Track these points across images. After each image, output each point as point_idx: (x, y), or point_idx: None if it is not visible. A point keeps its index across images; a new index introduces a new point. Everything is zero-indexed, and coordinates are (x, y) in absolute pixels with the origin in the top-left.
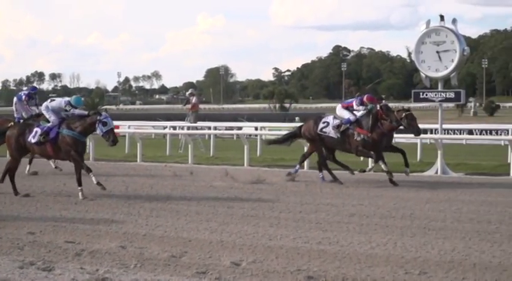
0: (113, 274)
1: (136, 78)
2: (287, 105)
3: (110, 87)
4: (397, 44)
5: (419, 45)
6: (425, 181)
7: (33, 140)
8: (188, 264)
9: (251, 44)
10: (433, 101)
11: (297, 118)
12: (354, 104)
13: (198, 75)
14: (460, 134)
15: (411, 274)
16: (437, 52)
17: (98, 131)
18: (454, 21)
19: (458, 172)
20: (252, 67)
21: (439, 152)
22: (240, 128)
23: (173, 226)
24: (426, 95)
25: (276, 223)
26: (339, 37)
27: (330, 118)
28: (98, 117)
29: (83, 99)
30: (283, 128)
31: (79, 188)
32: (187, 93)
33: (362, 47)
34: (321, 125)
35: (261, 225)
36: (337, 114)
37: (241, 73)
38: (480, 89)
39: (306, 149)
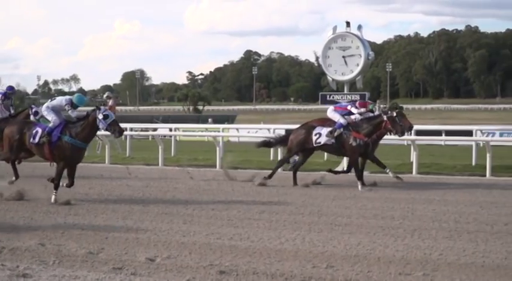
0: (33, 270)
1: (55, 82)
2: (200, 107)
3: (29, 91)
4: (305, 49)
5: (326, 50)
6: (333, 179)
7: (33, 141)
8: (105, 260)
9: (166, 49)
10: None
11: (210, 119)
12: (353, 109)
13: (115, 79)
14: None
15: (319, 267)
16: (343, 57)
17: (101, 126)
18: (359, 27)
19: (364, 170)
20: (166, 71)
21: None
22: (155, 130)
23: (90, 224)
24: (333, 97)
25: (189, 220)
26: (250, 42)
27: (319, 129)
28: (97, 112)
29: (86, 98)
30: (197, 129)
31: (54, 192)
32: (104, 95)
33: (272, 52)
34: (314, 138)
35: (175, 222)
36: (329, 116)
37: (157, 76)
38: (384, 92)
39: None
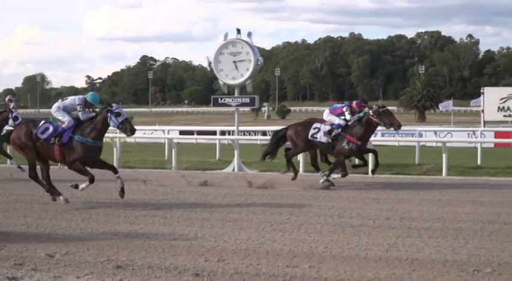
0: None
1: None
2: (97, 109)
3: None
4: (199, 55)
5: (218, 55)
6: (223, 177)
7: (42, 136)
8: (6, 256)
9: (66, 54)
10: (231, 105)
11: None
12: (346, 113)
13: (16, 83)
14: (255, 135)
15: (210, 261)
16: (234, 62)
17: (112, 124)
18: (249, 34)
19: (254, 169)
20: (66, 75)
21: (235, 151)
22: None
23: None
24: (224, 100)
25: (87, 218)
26: (146, 48)
27: (319, 124)
28: (109, 109)
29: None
30: None
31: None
32: (6, 99)
33: (167, 57)
34: (311, 131)
35: (74, 220)
36: (325, 119)
37: (57, 80)
38: (273, 95)
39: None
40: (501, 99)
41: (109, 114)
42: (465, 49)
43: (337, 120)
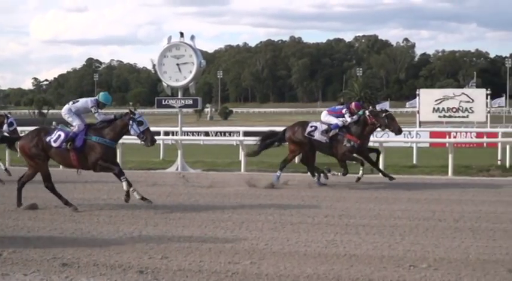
0: None
1: None
2: (45, 111)
3: None
4: (143, 57)
5: (162, 58)
6: (168, 177)
7: (54, 144)
8: None
9: (13, 57)
10: (174, 107)
11: (54, 122)
12: (346, 115)
13: None
14: (198, 135)
15: (154, 258)
16: (178, 64)
17: (132, 132)
18: (192, 37)
19: (197, 168)
20: (13, 77)
21: (179, 151)
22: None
23: None
24: (168, 101)
25: (33, 217)
26: (91, 51)
27: (317, 123)
28: (132, 117)
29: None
30: None
31: (131, 189)
32: None
33: (112, 60)
34: (308, 129)
35: (21, 219)
36: (323, 120)
37: (4, 83)
38: (216, 97)
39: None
40: (436, 100)
41: (131, 121)
42: (401, 52)
43: (334, 121)
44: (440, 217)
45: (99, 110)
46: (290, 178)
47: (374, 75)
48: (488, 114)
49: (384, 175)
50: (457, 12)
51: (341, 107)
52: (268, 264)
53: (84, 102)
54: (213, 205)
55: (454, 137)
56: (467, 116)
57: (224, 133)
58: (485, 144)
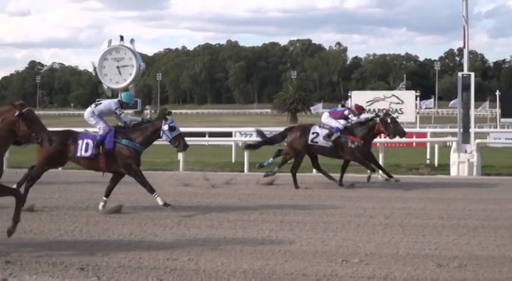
0: None
1: None
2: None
3: None
4: (84, 60)
5: (102, 61)
6: (108, 176)
7: (85, 154)
8: None
9: None
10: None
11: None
12: (350, 116)
13: None
14: None
15: (95, 256)
16: (118, 67)
17: (164, 138)
18: (132, 41)
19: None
20: None
21: None
22: None
23: None
24: None
25: None
26: (34, 54)
27: (317, 129)
28: (164, 122)
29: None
30: None
31: (154, 195)
32: None
33: (54, 62)
34: (311, 136)
35: None
36: (324, 122)
37: None
38: (155, 98)
39: None
40: (367, 102)
41: (163, 127)
42: (334, 56)
43: (335, 124)
44: (371, 214)
45: (123, 111)
46: (232, 177)
47: (308, 77)
48: (418, 115)
49: (388, 175)
50: (387, 18)
51: (343, 109)
52: (205, 260)
53: (107, 104)
54: (151, 204)
55: (385, 137)
56: (397, 117)
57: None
58: (414, 144)
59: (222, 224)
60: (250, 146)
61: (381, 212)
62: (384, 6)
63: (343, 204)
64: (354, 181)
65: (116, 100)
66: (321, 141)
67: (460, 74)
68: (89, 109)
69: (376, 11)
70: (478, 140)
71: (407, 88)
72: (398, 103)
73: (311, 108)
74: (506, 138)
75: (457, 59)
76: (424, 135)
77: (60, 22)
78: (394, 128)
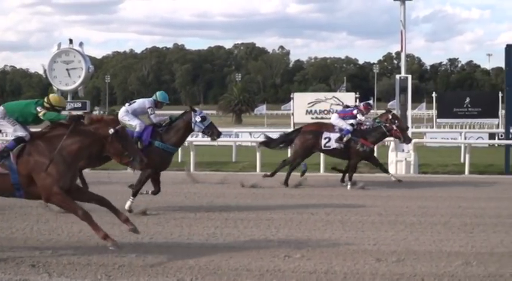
0: None
1: None
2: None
3: None
4: (35, 63)
5: (52, 63)
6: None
7: None
8: None
9: None
10: (64, 109)
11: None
12: (358, 115)
13: None
14: None
15: (45, 253)
16: (67, 69)
17: (197, 129)
18: (81, 44)
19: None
20: None
21: None
22: None
23: None
24: None
25: None
26: None
27: (328, 133)
28: (194, 114)
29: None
30: None
31: (131, 199)
32: None
33: (6, 65)
34: (323, 142)
35: None
36: (333, 123)
37: None
38: (104, 100)
39: None
40: (309, 103)
41: (194, 119)
42: (277, 59)
43: (345, 126)
44: (313, 211)
45: (156, 111)
46: (178, 176)
47: (252, 80)
48: None
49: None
50: (328, 22)
51: (351, 108)
52: (152, 257)
53: (141, 103)
54: (115, 201)
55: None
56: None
57: None
58: None
59: (169, 222)
60: (266, 144)
61: (322, 210)
62: (325, 12)
63: (285, 202)
64: (300, 180)
65: (150, 99)
66: (333, 145)
67: (397, 76)
68: (123, 108)
69: (318, 16)
70: (415, 140)
71: (348, 90)
72: (338, 105)
73: (255, 109)
74: (442, 138)
75: (395, 62)
76: None
77: (11, 26)
78: (404, 135)
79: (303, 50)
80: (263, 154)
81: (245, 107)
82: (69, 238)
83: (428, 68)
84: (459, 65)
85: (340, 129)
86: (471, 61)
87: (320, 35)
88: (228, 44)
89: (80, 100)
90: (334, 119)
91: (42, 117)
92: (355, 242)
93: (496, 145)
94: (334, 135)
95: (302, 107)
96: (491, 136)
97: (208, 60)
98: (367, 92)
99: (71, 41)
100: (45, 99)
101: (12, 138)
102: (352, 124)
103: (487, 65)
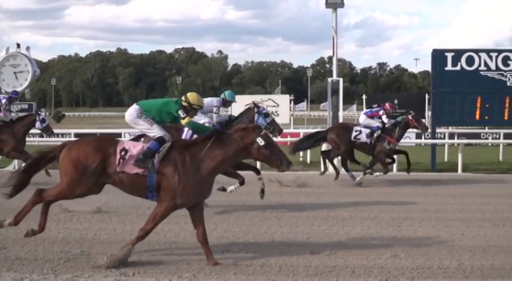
0: None
1: None
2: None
3: None
4: None
5: (0, 67)
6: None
7: None
8: None
9: None
10: (11, 111)
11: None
12: (383, 117)
13: None
14: (33, 137)
15: None
16: (15, 73)
17: (260, 121)
18: (27, 48)
19: None
20: None
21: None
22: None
23: None
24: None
25: None
26: None
27: (359, 127)
28: (258, 110)
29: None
30: None
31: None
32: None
33: None
34: (354, 134)
35: None
36: (363, 123)
37: None
38: (50, 102)
39: None
40: (246, 105)
41: (257, 115)
42: (216, 63)
43: (375, 123)
44: (249, 207)
45: (218, 113)
46: None
47: (192, 83)
48: (292, 117)
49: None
50: (264, 28)
51: (377, 109)
52: (96, 252)
53: (209, 101)
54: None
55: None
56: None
57: (57, 135)
58: (289, 142)
59: (112, 219)
60: (297, 149)
61: (258, 206)
62: (261, 18)
63: (223, 198)
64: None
65: (218, 98)
66: (363, 138)
67: (329, 79)
68: None
69: (254, 22)
70: None
71: (283, 92)
72: (274, 106)
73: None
74: None
75: (327, 66)
76: (297, 135)
77: None
78: (422, 124)
79: (240, 54)
80: None
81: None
82: (17, 234)
83: (359, 71)
84: (388, 69)
85: (371, 127)
86: (399, 65)
87: (257, 40)
88: (169, 49)
89: (26, 102)
90: (363, 120)
91: (184, 124)
92: (289, 236)
93: (423, 144)
94: (365, 130)
95: (240, 108)
96: (418, 136)
97: (150, 63)
98: (301, 94)
99: (18, 45)
100: (183, 98)
101: (153, 138)
102: (382, 122)
103: (414, 68)
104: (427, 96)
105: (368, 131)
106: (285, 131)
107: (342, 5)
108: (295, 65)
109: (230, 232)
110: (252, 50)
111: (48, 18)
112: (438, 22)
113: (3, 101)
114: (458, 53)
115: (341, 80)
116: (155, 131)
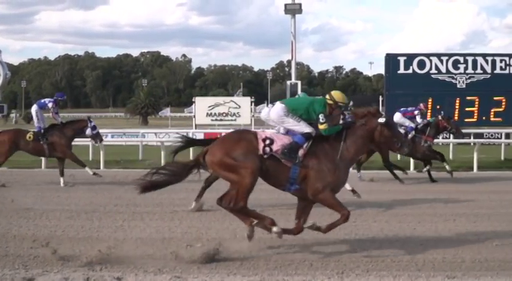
0: None
1: None
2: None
3: None
4: None
5: None
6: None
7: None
8: None
9: None
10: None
11: None
12: (418, 117)
13: None
14: None
15: None
16: None
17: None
18: None
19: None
20: None
21: None
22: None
23: None
24: None
25: None
26: None
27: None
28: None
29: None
30: None
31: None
32: None
33: None
34: None
35: None
36: (398, 122)
37: None
38: (20, 104)
39: None
40: (209, 106)
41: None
42: (180, 66)
43: (407, 123)
44: (213, 204)
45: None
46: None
47: (157, 85)
48: (253, 118)
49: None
50: (227, 33)
51: (413, 108)
52: (65, 248)
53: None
54: (16, 197)
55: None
56: (235, 120)
57: None
58: None
59: (80, 215)
60: None
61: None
62: (223, 23)
63: (188, 196)
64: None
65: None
66: None
67: (288, 82)
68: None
69: (217, 27)
70: None
71: (244, 95)
72: (236, 108)
73: (160, 112)
74: None
75: (287, 69)
76: None
77: None
78: (454, 125)
79: (203, 58)
80: (167, 153)
81: (151, 110)
82: None
83: (316, 75)
84: (344, 72)
85: (405, 127)
86: (355, 68)
87: (219, 45)
88: (135, 52)
89: None
90: (398, 119)
91: (322, 131)
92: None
93: None
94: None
95: (203, 110)
96: None
97: (117, 67)
98: (262, 97)
99: None
100: (327, 96)
101: (301, 133)
102: (416, 124)
103: (369, 72)
104: (380, 98)
105: (402, 132)
106: None
107: (300, 11)
108: (255, 69)
109: (194, 228)
110: (215, 54)
111: (19, 23)
112: (391, 28)
113: (50, 104)
114: (410, 57)
115: (299, 82)
116: (303, 127)
